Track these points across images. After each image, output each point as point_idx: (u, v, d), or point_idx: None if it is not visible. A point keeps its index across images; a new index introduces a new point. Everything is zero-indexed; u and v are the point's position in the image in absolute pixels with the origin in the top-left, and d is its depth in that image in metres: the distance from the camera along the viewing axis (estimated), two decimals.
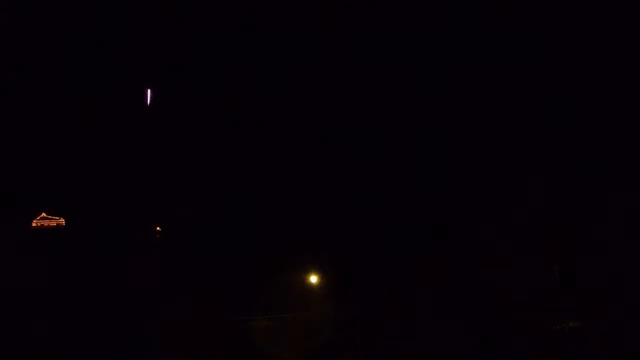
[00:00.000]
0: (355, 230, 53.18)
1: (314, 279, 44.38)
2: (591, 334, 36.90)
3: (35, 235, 53.18)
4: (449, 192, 52.16)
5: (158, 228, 55.97)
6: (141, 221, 54.98)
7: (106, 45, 55.53)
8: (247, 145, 58.10)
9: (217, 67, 56.61)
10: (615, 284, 40.27)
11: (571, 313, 38.69)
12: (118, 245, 50.17)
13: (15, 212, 52.93)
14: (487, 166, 51.74)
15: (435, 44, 53.11)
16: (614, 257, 42.36)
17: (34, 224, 55.17)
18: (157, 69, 56.33)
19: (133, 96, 55.77)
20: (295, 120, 57.29)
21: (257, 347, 36.67)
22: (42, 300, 41.42)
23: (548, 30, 49.88)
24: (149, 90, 54.46)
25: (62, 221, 56.33)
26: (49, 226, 55.80)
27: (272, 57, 57.81)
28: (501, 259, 45.89)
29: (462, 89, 52.83)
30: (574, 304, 39.42)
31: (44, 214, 55.94)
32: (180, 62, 56.04)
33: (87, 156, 54.67)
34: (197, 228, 59.62)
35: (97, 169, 54.62)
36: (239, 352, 36.56)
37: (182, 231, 59.20)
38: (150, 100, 54.81)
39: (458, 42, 52.60)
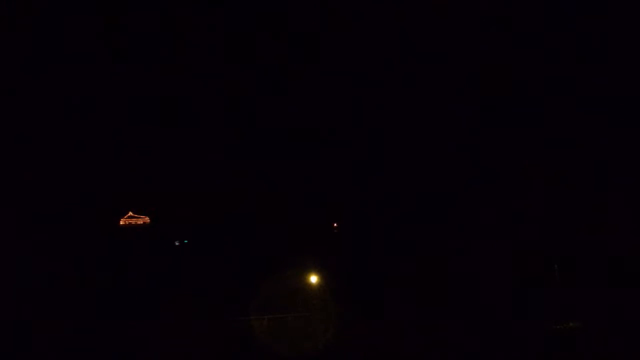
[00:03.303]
0: (355, 230, 53.30)
1: (314, 279, 44.41)
2: (591, 334, 36.79)
3: (123, 232, 56.87)
4: (449, 192, 52.24)
5: (335, 224, 57.91)
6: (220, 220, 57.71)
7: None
8: (247, 147, 58.29)
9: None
10: (615, 284, 40.30)
11: (571, 313, 38.64)
12: (195, 241, 53.28)
13: (106, 211, 56.22)
14: (487, 166, 51.80)
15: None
16: (614, 257, 42.39)
17: (122, 222, 58.10)
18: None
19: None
20: (297, 123, 57.53)
21: (257, 347, 36.62)
22: (126, 289, 44.51)
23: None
24: None
25: (147, 219, 59.66)
26: (135, 224, 59.23)
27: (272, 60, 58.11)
28: (501, 259, 45.92)
29: (461, 90, 53.00)
30: (574, 304, 39.42)
31: (131, 213, 58.78)
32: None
33: (169, 162, 57.60)
34: (197, 228, 59.99)
35: (177, 173, 57.41)
36: (239, 352, 36.52)
37: (183, 231, 59.57)
38: None
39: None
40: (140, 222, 59.46)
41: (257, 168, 57.49)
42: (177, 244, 55.81)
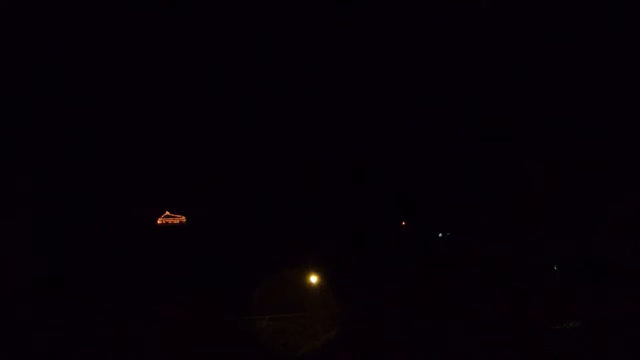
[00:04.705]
0: (355, 231, 53.36)
1: (314, 279, 44.45)
2: (591, 334, 36.76)
3: (160, 231, 58.15)
4: (449, 192, 52.30)
5: (403, 222, 58.15)
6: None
7: None
8: (249, 148, 58.47)
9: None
10: (615, 284, 40.27)
11: (571, 313, 38.62)
12: (232, 240, 54.06)
13: (144, 211, 57.73)
14: (487, 166, 51.83)
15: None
16: (614, 257, 42.36)
17: (159, 221, 59.22)
18: None
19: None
20: (299, 125, 57.75)
21: (257, 346, 36.66)
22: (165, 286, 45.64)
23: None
24: None
25: (184, 219, 60.89)
26: (172, 223, 60.44)
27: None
28: (501, 259, 45.93)
29: (461, 91, 53.07)
30: (574, 304, 39.41)
31: (167, 213, 59.99)
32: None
33: (202, 164, 58.72)
34: (198, 228, 60.26)
35: (211, 174, 58.37)
36: (239, 352, 36.56)
37: (183, 231, 59.83)
38: None
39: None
40: (176, 221, 60.88)
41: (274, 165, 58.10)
42: (440, 235, 55.70)
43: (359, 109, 56.78)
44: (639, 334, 34.30)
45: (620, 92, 47.62)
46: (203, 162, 59.23)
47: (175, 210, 61.12)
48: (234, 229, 56.84)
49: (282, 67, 58.09)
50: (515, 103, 52.28)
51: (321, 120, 58.45)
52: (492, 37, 52.65)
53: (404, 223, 57.28)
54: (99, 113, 56.55)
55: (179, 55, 58.00)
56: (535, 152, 50.63)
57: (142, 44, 57.08)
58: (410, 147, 54.89)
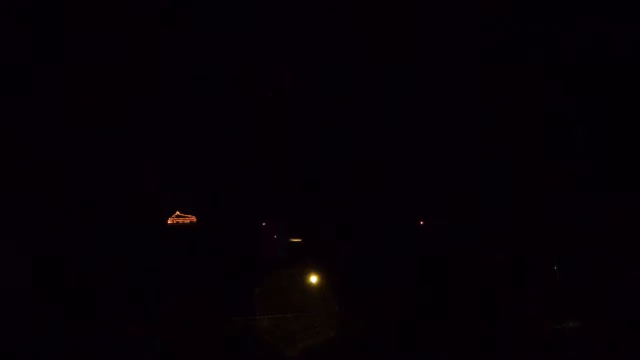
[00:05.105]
0: (355, 231, 53.35)
1: (314, 279, 44.51)
2: (591, 334, 36.82)
3: (171, 231, 58.56)
4: (449, 192, 52.31)
5: (421, 222, 58.33)
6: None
7: None
8: (249, 148, 58.59)
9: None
10: (615, 284, 40.28)
11: (571, 313, 38.68)
12: (241, 240, 54.45)
13: (155, 211, 58.06)
14: (487, 166, 51.86)
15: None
16: (614, 257, 42.36)
17: (169, 221, 59.43)
18: None
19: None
20: (301, 126, 57.87)
21: (257, 346, 36.71)
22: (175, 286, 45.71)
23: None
24: None
25: (194, 219, 61.10)
26: (182, 223, 60.66)
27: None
28: (501, 259, 45.93)
29: (460, 89, 53.12)
30: (574, 304, 39.45)
31: (178, 213, 60.21)
32: None
33: (215, 164, 59.01)
34: (198, 228, 60.28)
35: (221, 175, 58.68)
36: (239, 351, 36.62)
37: (183, 231, 59.83)
38: None
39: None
40: (187, 221, 61.11)
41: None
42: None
43: (359, 109, 56.86)
44: (639, 334, 34.37)
45: (620, 91, 47.69)
46: (213, 163, 59.46)
47: (186, 211, 61.26)
48: (238, 229, 56.97)
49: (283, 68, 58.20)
50: (515, 103, 52.37)
51: (321, 120, 58.55)
52: (492, 36, 52.71)
53: (422, 222, 57.40)
54: (104, 112, 56.58)
55: (184, 56, 58.11)
56: (535, 152, 50.71)
57: (144, 44, 57.19)
58: (410, 146, 54.98)
